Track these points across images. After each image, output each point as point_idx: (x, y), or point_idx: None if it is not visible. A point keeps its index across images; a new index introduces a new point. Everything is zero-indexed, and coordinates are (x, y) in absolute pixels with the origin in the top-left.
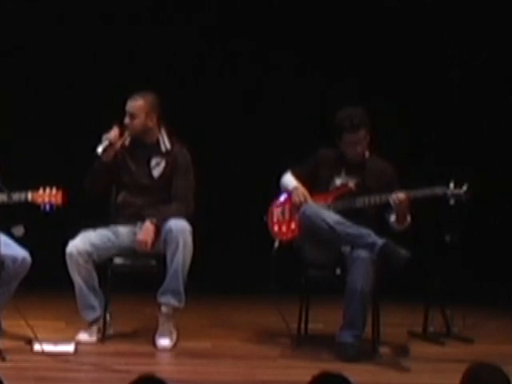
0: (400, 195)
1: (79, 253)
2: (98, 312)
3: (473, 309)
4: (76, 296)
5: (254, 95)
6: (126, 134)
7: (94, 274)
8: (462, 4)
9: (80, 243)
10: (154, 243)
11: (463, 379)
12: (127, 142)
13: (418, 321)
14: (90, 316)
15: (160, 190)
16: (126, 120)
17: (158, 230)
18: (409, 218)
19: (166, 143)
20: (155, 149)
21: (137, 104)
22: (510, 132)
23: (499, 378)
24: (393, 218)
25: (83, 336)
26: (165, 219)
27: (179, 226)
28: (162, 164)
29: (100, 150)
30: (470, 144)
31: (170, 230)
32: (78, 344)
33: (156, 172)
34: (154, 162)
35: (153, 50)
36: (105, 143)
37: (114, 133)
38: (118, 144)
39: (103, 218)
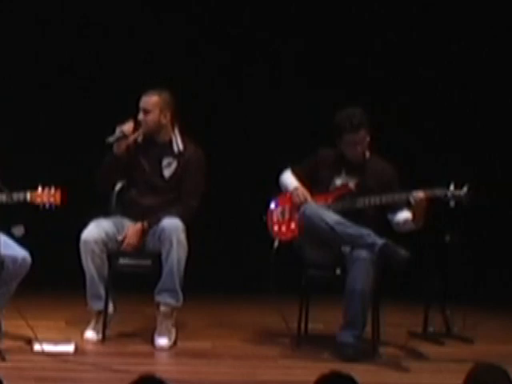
0: (420, 194)
1: (95, 241)
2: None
3: (473, 309)
4: (86, 284)
5: (253, 95)
6: (140, 130)
7: (106, 265)
8: (462, 4)
9: (95, 231)
10: (139, 243)
11: (466, 380)
12: (140, 139)
13: (418, 321)
14: (97, 305)
15: (170, 190)
16: (140, 116)
17: (147, 230)
18: (423, 218)
19: (178, 144)
20: (167, 149)
21: (151, 100)
22: (510, 132)
23: (502, 379)
24: (398, 217)
25: (90, 334)
26: (158, 221)
27: (172, 225)
28: (174, 165)
29: (112, 139)
30: (470, 144)
31: (163, 229)
32: (77, 344)
33: (167, 172)
34: (165, 161)
35: (153, 50)
36: (118, 134)
37: (128, 125)
38: (131, 138)
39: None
